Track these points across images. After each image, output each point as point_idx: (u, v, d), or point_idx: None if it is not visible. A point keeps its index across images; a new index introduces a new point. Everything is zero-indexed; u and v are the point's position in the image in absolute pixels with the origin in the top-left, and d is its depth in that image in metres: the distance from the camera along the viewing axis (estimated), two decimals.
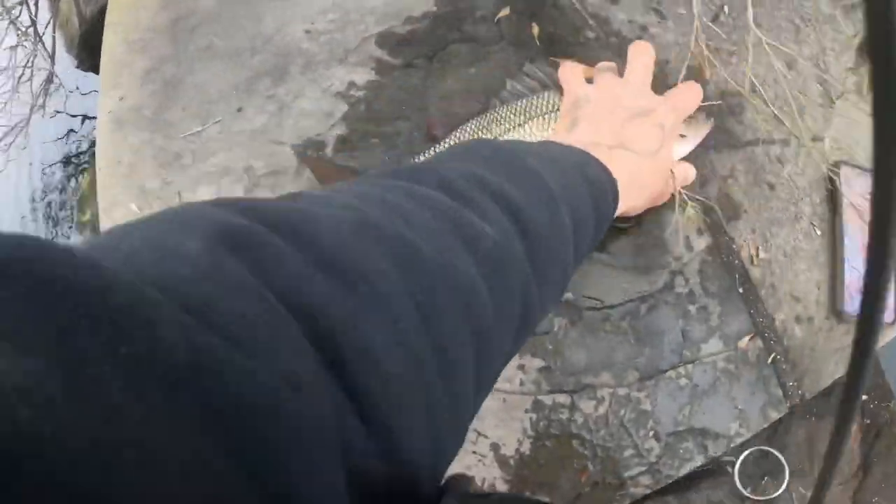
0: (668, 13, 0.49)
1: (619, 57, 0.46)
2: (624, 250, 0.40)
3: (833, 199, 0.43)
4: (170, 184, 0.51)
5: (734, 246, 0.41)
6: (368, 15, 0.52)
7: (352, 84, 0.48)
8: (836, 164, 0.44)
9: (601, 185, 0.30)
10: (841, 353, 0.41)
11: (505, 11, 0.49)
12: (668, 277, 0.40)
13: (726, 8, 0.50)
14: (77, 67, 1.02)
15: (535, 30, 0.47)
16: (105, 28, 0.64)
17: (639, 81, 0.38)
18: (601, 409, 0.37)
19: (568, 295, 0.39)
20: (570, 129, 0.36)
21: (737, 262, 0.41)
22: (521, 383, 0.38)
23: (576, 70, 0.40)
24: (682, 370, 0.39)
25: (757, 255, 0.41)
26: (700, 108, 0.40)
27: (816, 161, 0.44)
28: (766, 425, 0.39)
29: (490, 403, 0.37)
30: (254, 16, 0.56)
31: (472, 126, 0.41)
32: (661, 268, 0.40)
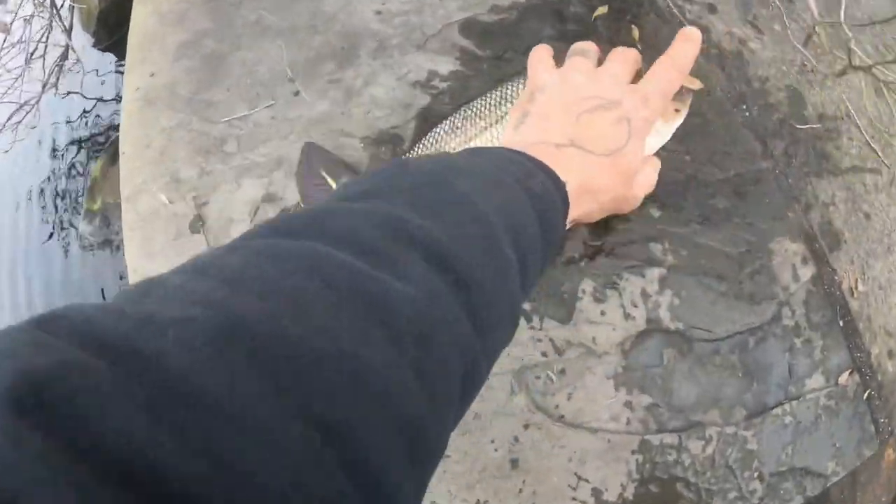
0: (765, 28, 0.47)
1: (722, 69, 0.44)
2: (735, 278, 0.37)
3: None
4: (209, 174, 0.44)
5: (836, 277, 0.40)
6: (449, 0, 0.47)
7: (433, 73, 0.43)
8: None
9: (548, 197, 0.26)
10: None
11: (603, 10, 0.45)
12: (776, 309, 0.38)
13: (817, 28, 0.48)
14: (94, 46, 0.91)
15: (636, 33, 0.44)
16: None
17: (613, 70, 0.33)
18: (709, 450, 0.35)
19: (678, 324, 0.36)
20: (517, 124, 0.31)
21: (838, 293, 0.40)
22: (628, 422, 0.35)
23: (544, 54, 0.35)
24: (787, 407, 0.37)
25: (856, 287, 0.40)
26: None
27: None
28: (858, 463, 0.38)
29: (594, 444, 0.34)
30: None
31: (443, 127, 0.37)
32: (770, 298, 0.38)
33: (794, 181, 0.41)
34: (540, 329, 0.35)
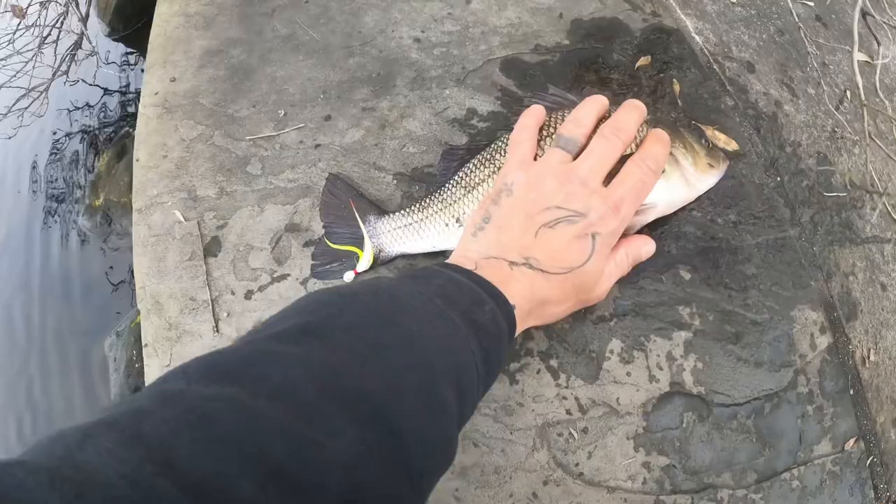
0: (799, 91, 0.47)
1: (757, 131, 0.44)
2: (757, 344, 0.38)
3: None
4: (229, 194, 0.43)
5: (850, 346, 0.41)
6: (492, 34, 0.46)
7: (472, 112, 0.42)
8: None
9: (495, 327, 0.26)
10: None
11: (646, 60, 0.45)
12: (793, 376, 0.38)
13: (848, 93, 0.49)
14: (108, 36, 0.87)
15: (677, 87, 0.44)
16: None
17: (586, 173, 0.30)
18: None
19: (700, 388, 0.36)
20: (476, 230, 0.30)
21: (850, 362, 0.40)
22: (644, 482, 0.35)
23: (529, 129, 0.32)
24: (795, 472, 0.38)
25: (868, 357, 0.41)
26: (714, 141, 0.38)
27: None
28: None
29: (610, 503, 0.34)
30: (350, 10, 0.48)
31: (475, 160, 0.36)
32: (788, 365, 0.38)
33: (818, 249, 0.41)
34: (566, 387, 0.35)
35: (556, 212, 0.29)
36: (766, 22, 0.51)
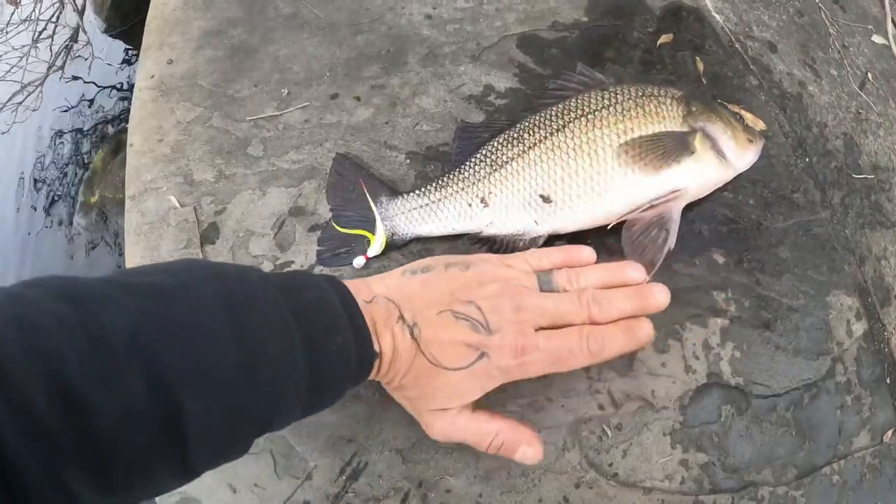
0: (822, 72, 0.46)
1: (783, 111, 0.42)
2: (794, 331, 0.35)
3: None
4: (228, 178, 0.39)
5: (885, 333, 0.39)
6: (507, 11, 0.43)
7: (489, 88, 0.40)
8: None
9: (339, 362, 0.24)
10: None
11: (668, 38, 0.42)
12: (831, 364, 0.36)
13: (870, 75, 0.47)
14: (104, 32, 0.83)
15: (700, 65, 0.42)
16: None
17: (533, 307, 0.27)
18: None
19: (738, 379, 0.34)
20: (409, 271, 0.28)
21: (886, 350, 0.38)
22: (682, 481, 0.32)
23: (532, 262, 0.29)
24: (835, 466, 0.35)
25: None
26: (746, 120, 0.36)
27: None
28: None
29: None
30: None
31: (501, 138, 0.34)
32: (825, 353, 0.36)
33: (850, 232, 0.39)
34: (598, 380, 0.32)
35: (472, 310, 0.26)
36: (786, 2, 0.49)
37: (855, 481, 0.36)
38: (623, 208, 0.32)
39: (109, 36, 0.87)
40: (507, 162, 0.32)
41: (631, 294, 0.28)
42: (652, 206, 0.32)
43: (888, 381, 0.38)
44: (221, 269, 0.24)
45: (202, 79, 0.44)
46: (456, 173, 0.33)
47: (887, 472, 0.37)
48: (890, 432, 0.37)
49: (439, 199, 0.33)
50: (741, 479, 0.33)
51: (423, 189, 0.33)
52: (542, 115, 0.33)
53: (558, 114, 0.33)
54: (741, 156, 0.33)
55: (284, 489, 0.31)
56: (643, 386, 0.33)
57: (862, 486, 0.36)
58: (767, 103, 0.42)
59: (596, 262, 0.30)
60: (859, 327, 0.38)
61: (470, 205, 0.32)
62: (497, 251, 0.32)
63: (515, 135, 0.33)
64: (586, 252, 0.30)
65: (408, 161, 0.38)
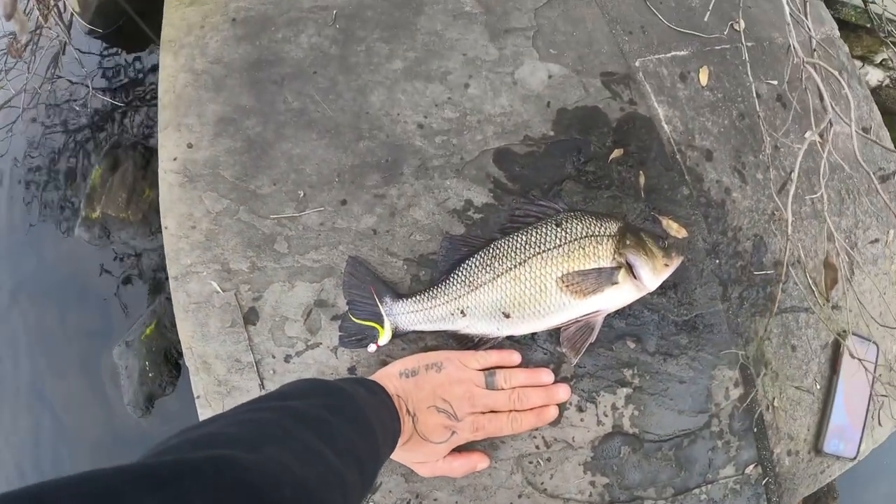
0: (749, 177, 0.80)
1: (706, 219, 0.77)
2: (682, 396, 0.73)
3: (835, 361, 0.81)
4: (260, 269, 0.73)
5: (758, 396, 0.77)
6: (486, 123, 0.76)
7: (469, 203, 0.73)
8: (843, 332, 0.81)
9: (388, 444, 0.58)
10: (813, 478, 0.80)
11: (618, 152, 0.76)
12: (708, 419, 0.74)
13: (793, 175, 0.82)
14: (88, 34, 1.07)
15: (642, 180, 0.76)
16: (161, 44, 0.80)
17: (483, 398, 0.65)
18: None
19: (635, 430, 0.72)
20: (405, 374, 0.64)
21: (757, 408, 0.77)
22: (590, 495, 0.71)
23: (482, 362, 0.67)
24: (704, 488, 0.74)
25: (773, 404, 0.78)
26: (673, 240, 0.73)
27: (829, 329, 0.80)
28: None
29: None
30: (356, 87, 0.77)
31: (476, 262, 0.68)
32: (704, 412, 0.74)
33: (742, 320, 0.76)
34: (536, 429, 0.70)
35: (446, 406, 0.64)
36: (731, 105, 0.83)
37: (719, 498, 0.75)
38: (560, 322, 0.67)
39: (94, 38, 1.12)
40: (480, 285, 0.66)
41: (542, 393, 0.67)
42: (580, 319, 0.67)
43: (755, 430, 0.77)
44: (331, 386, 0.57)
45: (224, 170, 0.76)
46: (441, 287, 0.67)
47: (746, 494, 0.76)
48: (752, 466, 0.77)
49: (430, 308, 0.67)
50: (631, 494, 0.72)
51: (418, 297, 0.68)
52: (510, 244, 0.67)
53: (522, 247, 0.67)
54: (655, 280, 0.68)
55: None
56: (566, 433, 0.70)
57: (724, 502, 0.75)
58: (693, 212, 0.77)
59: (524, 363, 0.69)
60: (736, 392, 0.75)
61: (452, 314, 0.67)
62: (468, 345, 0.68)
63: (487, 261, 0.67)
64: (515, 356, 0.68)
65: (405, 266, 0.72)
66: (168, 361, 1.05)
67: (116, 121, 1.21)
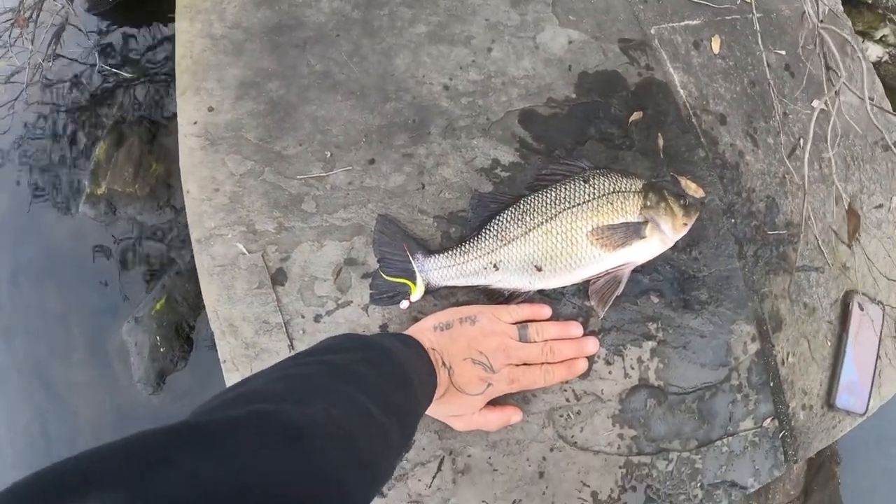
0: (761, 141, 0.91)
1: (721, 180, 0.88)
2: (703, 350, 0.83)
3: (844, 319, 0.92)
4: (288, 230, 0.79)
5: (774, 351, 0.87)
6: (511, 85, 0.85)
7: (496, 162, 0.82)
8: (851, 292, 0.92)
9: (426, 396, 0.65)
10: (826, 432, 0.91)
11: (638, 115, 0.86)
12: (727, 372, 0.84)
13: (801, 141, 0.94)
14: (87, 11, 1.10)
15: (661, 142, 0.86)
16: (177, 10, 0.86)
17: (517, 350, 0.72)
18: (670, 468, 0.81)
19: (660, 382, 0.81)
20: (439, 327, 0.71)
21: (773, 363, 0.87)
22: (618, 447, 0.79)
23: (515, 315, 0.74)
24: (725, 440, 0.84)
25: (787, 359, 0.88)
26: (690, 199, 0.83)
27: (840, 287, 0.92)
28: (769, 480, 0.88)
29: (594, 462, 0.79)
30: (381, 50, 0.85)
31: (508, 216, 0.76)
32: (724, 365, 0.84)
33: (757, 277, 0.87)
34: (567, 382, 0.78)
35: (482, 358, 0.70)
36: (742, 73, 0.94)
37: (739, 451, 0.85)
38: (590, 275, 0.76)
39: (94, 15, 1.17)
40: (512, 239, 0.74)
41: (572, 345, 0.75)
42: (608, 272, 0.76)
43: (771, 384, 0.87)
44: (369, 341, 0.63)
45: (247, 132, 0.82)
46: (474, 242, 0.75)
47: (764, 447, 0.86)
48: (769, 420, 0.87)
49: (463, 262, 0.75)
50: (657, 446, 0.81)
51: (450, 252, 0.76)
52: (541, 199, 0.76)
53: (552, 202, 0.76)
54: (675, 237, 0.78)
55: None
56: (595, 386, 0.79)
57: (745, 454, 0.85)
58: (710, 173, 0.87)
59: (553, 317, 0.77)
60: (753, 347, 0.86)
61: (485, 268, 0.75)
62: (499, 300, 0.76)
63: (519, 216, 0.75)
64: (546, 310, 0.76)
65: (435, 224, 0.80)
66: (179, 336, 1.09)
67: (121, 96, 1.26)
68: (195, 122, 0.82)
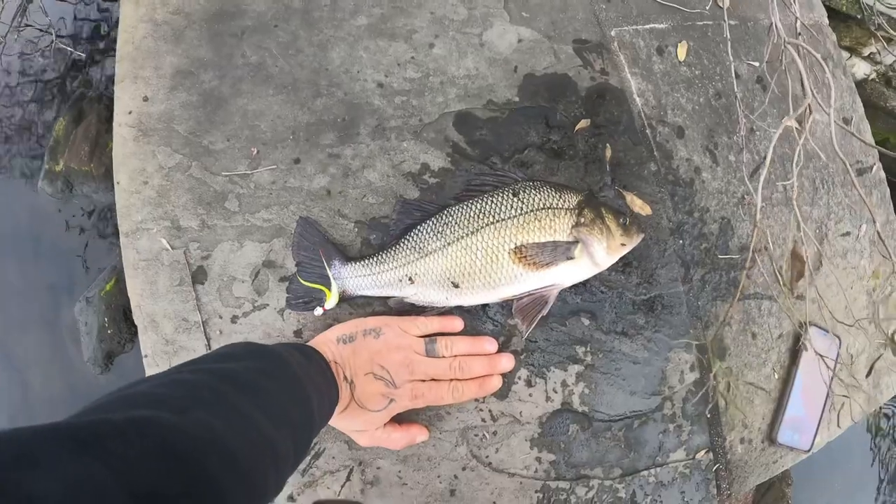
0: (721, 158, 0.86)
1: (672, 197, 0.83)
2: (635, 377, 0.79)
3: (795, 351, 0.87)
4: (210, 227, 0.77)
5: (713, 381, 0.83)
6: (449, 85, 0.80)
7: (425, 167, 0.78)
8: (805, 323, 0.87)
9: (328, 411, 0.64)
10: (765, 467, 0.87)
11: (584, 123, 0.81)
12: (660, 401, 0.80)
13: (766, 160, 0.88)
14: None
15: (609, 153, 0.81)
16: None
17: (424, 366, 0.69)
18: (590, 495, 0.79)
19: (585, 408, 0.78)
20: (342, 339, 0.69)
21: (712, 394, 0.83)
22: (536, 471, 0.77)
23: (424, 327, 0.72)
24: (653, 471, 0.81)
25: (728, 390, 0.84)
26: (635, 217, 0.78)
27: (793, 317, 0.87)
28: None
29: (509, 485, 0.76)
30: (317, 42, 0.81)
31: (427, 228, 0.73)
32: (658, 394, 0.80)
33: (702, 303, 0.82)
34: (482, 402, 0.75)
35: (384, 373, 0.68)
36: (707, 83, 0.88)
37: (668, 482, 0.82)
38: (511, 294, 0.72)
39: None
40: (430, 252, 0.71)
41: (484, 362, 0.72)
42: (533, 293, 0.73)
43: (708, 415, 0.83)
44: (267, 351, 0.61)
45: (178, 124, 0.80)
46: (391, 252, 0.73)
47: (695, 478, 0.83)
48: (703, 452, 0.83)
49: (378, 273, 0.72)
50: (578, 473, 0.78)
51: (367, 260, 0.73)
52: (464, 211, 0.72)
53: (476, 215, 0.72)
54: (610, 259, 0.73)
55: None
56: (514, 408, 0.76)
57: (673, 485, 0.82)
58: (659, 190, 0.82)
59: (470, 332, 0.74)
60: (691, 376, 0.82)
61: (400, 280, 0.72)
62: (414, 312, 0.73)
63: (439, 228, 0.72)
64: (458, 322, 0.73)
65: (356, 229, 0.77)
66: (127, 318, 1.10)
67: (82, 73, 1.25)
68: (130, 112, 0.80)
